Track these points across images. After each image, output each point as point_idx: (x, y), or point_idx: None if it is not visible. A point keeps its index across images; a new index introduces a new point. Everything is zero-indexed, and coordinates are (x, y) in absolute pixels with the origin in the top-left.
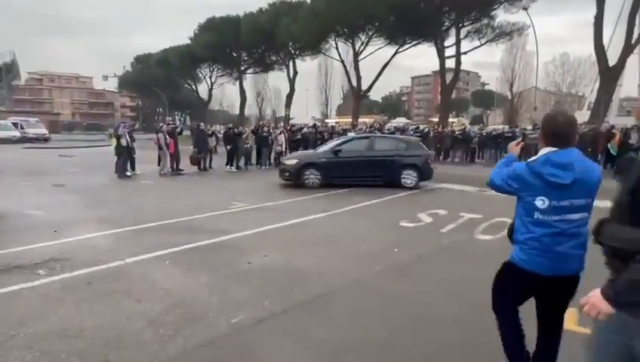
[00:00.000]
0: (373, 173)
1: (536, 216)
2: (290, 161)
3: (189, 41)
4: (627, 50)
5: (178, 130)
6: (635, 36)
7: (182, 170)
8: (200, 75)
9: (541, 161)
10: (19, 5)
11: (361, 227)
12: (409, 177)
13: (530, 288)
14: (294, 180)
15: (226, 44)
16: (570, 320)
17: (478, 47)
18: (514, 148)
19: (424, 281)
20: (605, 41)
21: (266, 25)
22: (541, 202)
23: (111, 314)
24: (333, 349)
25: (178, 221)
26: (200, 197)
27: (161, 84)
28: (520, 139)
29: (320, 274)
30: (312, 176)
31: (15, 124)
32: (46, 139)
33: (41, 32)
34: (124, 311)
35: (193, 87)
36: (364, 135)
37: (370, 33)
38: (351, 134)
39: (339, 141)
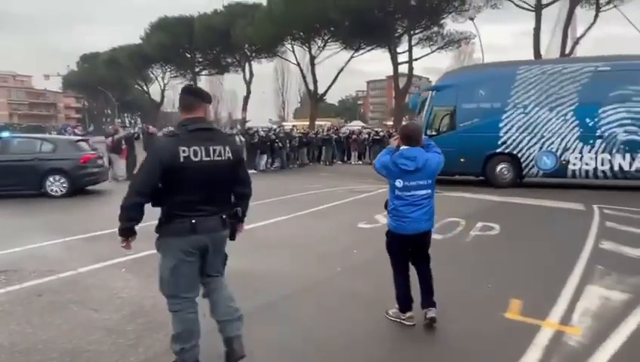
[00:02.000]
0: (5, 181)
1: (396, 193)
2: None
3: (140, 41)
4: None
5: (135, 136)
6: (568, 47)
7: None
8: (152, 75)
9: (397, 154)
10: None
11: (320, 230)
12: (56, 185)
13: (402, 244)
14: None
15: (179, 45)
16: (514, 310)
17: (429, 53)
18: (393, 142)
19: (382, 279)
20: (543, 50)
21: (221, 26)
22: (399, 183)
23: (66, 326)
24: (299, 349)
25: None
26: None
27: (109, 84)
28: (396, 136)
29: (282, 276)
30: None
31: None
32: None
33: None
34: (80, 322)
35: (144, 88)
36: None
37: (327, 37)
38: None
39: None
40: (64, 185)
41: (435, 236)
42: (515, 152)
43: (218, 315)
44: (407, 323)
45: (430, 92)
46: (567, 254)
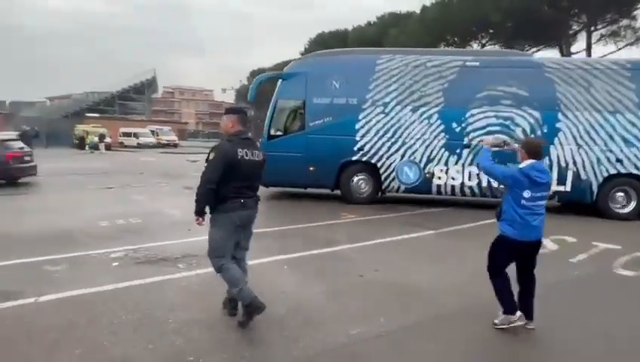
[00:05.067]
0: None
1: (522, 203)
2: None
3: (299, 56)
4: None
5: None
6: None
7: None
8: None
9: (529, 167)
10: (154, 28)
11: (473, 248)
12: None
13: (516, 252)
14: None
15: None
16: None
17: (614, 52)
18: (489, 142)
19: (552, 317)
20: None
21: (374, 37)
22: (527, 193)
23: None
24: None
25: (291, 228)
26: (308, 207)
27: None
28: (493, 142)
29: (434, 293)
30: None
31: (152, 132)
32: (175, 145)
33: (171, 51)
34: None
35: None
36: None
37: (484, 41)
38: None
39: None
40: None
41: (624, 272)
42: (373, 161)
43: None
44: (520, 323)
45: (278, 82)
46: None
